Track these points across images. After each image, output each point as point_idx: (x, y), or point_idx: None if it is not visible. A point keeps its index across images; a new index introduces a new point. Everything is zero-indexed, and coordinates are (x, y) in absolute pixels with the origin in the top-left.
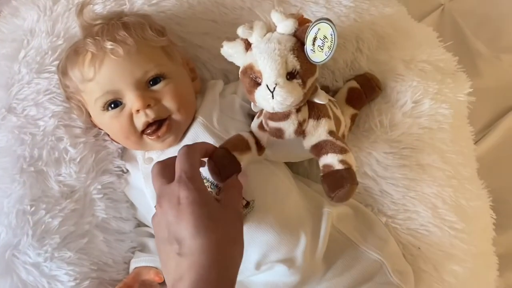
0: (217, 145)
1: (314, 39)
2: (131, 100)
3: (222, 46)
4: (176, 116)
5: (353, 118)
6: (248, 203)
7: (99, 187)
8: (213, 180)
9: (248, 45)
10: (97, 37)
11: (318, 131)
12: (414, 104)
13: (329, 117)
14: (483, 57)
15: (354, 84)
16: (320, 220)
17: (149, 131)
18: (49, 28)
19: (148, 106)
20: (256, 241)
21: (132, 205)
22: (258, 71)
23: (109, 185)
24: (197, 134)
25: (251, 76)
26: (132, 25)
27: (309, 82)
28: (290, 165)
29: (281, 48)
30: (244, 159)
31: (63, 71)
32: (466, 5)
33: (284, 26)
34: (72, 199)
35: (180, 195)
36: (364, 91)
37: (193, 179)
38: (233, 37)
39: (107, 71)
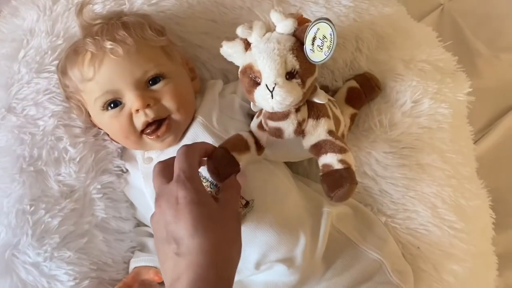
0: (216, 145)
1: (314, 38)
2: (131, 100)
3: (221, 46)
4: (175, 116)
5: (353, 118)
6: (247, 203)
7: (99, 186)
8: (212, 180)
9: (247, 45)
10: (96, 37)
11: (318, 131)
12: (414, 104)
13: (328, 116)
14: (483, 57)
15: (353, 83)
16: (320, 220)
17: (148, 130)
18: (49, 28)
19: (148, 105)
20: (256, 240)
21: (132, 205)
22: (257, 71)
23: (108, 185)
24: (197, 133)
25: (250, 76)
26: (132, 25)
27: (309, 82)
28: (289, 165)
29: (281, 48)
30: (243, 159)
31: (62, 71)
32: (465, 5)
33: (284, 25)
34: (72, 198)
35: (178, 194)
36: (363, 91)
37: (192, 179)
38: (232, 37)
39: (106, 70)
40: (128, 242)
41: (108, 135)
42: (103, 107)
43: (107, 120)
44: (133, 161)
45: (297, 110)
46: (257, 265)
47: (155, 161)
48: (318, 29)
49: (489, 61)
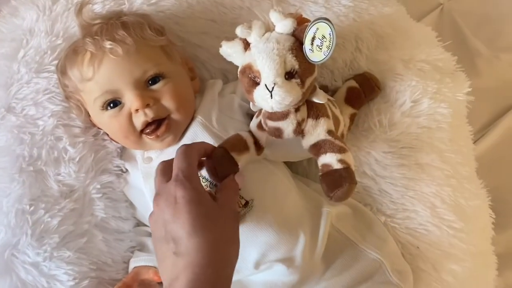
0: (216, 144)
1: (313, 38)
2: (130, 100)
3: (220, 46)
4: (175, 116)
5: (352, 118)
6: (247, 203)
7: (98, 186)
8: (211, 180)
9: (246, 45)
10: (96, 37)
11: (317, 131)
12: (413, 104)
13: (328, 116)
14: (482, 57)
15: (353, 83)
16: (319, 220)
17: (148, 130)
18: (48, 28)
19: (147, 105)
20: (255, 240)
21: (131, 205)
22: (256, 70)
23: (108, 185)
24: (196, 133)
25: (249, 75)
26: (131, 25)
27: (308, 82)
28: (289, 165)
29: (280, 48)
30: (242, 159)
31: (62, 71)
32: (465, 5)
33: (283, 25)
34: (71, 198)
35: (176, 194)
36: (363, 91)
37: (190, 178)
38: (232, 37)
39: (106, 70)
40: (128, 242)
41: (107, 135)
42: (103, 107)
43: (106, 120)
44: (132, 161)
45: (297, 110)
46: (257, 265)
47: (154, 161)
48: (317, 29)
49: (489, 61)
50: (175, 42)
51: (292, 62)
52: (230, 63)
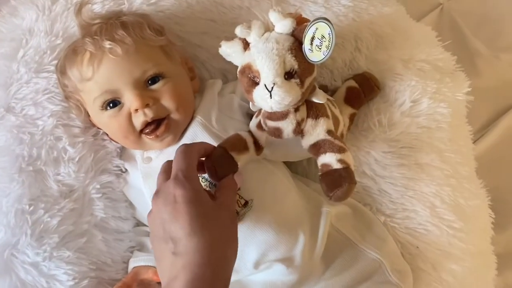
0: (215, 144)
1: (312, 38)
2: (130, 100)
3: (220, 46)
4: (174, 116)
5: (352, 118)
6: (246, 203)
7: (98, 186)
8: (211, 180)
9: (246, 45)
10: (95, 37)
11: (317, 131)
12: (413, 104)
13: (327, 116)
14: (482, 57)
15: (352, 83)
16: (319, 219)
17: (147, 130)
18: (48, 28)
19: (147, 105)
20: (255, 240)
21: (131, 205)
22: (256, 70)
23: (108, 185)
24: (196, 133)
25: (249, 75)
26: (131, 25)
27: (307, 82)
28: (289, 165)
29: (279, 48)
30: (241, 159)
31: (61, 71)
32: (465, 5)
33: (282, 25)
34: (71, 198)
35: (176, 193)
36: (362, 91)
37: (190, 178)
38: (231, 37)
39: (105, 70)
40: (127, 241)
41: (107, 134)
42: (102, 106)
43: (106, 120)
44: (132, 160)
45: (296, 109)
46: (256, 265)
47: (154, 161)
48: (316, 28)
49: (489, 60)
50: (174, 42)
51: (292, 62)
52: (230, 63)
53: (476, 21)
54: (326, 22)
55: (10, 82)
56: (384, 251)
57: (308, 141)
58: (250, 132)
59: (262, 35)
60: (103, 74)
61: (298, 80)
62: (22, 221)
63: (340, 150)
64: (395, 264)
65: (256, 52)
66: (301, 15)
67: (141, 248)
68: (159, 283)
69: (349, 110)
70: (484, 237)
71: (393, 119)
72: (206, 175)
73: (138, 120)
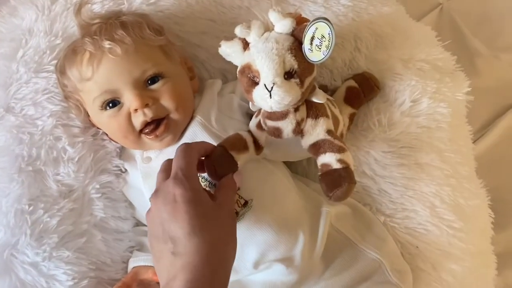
0: (215, 144)
1: (312, 38)
2: (129, 99)
3: (220, 46)
4: (174, 115)
5: (352, 117)
6: (246, 202)
7: (98, 186)
8: (211, 179)
9: (246, 45)
10: (95, 36)
11: (316, 130)
12: (413, 103)
13: (327, 116)
14: (482, 56)
15: (352, 83)
16: (319, 219)
17: (147, 130)
18: (47, 28)
19: (146, 105)
20: (255, 240)
21: (131, 205)
22: (256, 70)
23: (107, 185)
24: (195, 133)
25: (249, 75)
26: (130, 24)
27: (307, 82)
28: (288, 164)
29: (279, 48)
30: (241, 159)
31: (61, 71)
32: (464, 4)
33: (282, 25)
34: (71, 198)
35: (175, 192)
36: (362, 90)
37: (189, 177)
38: (231, 36)
39: (105, 70)
40: (127, 241)
41: (106, 134)
42: (102, 106)
43: (105, 120)
44: (132, 160)
45: (296, 109)
46: (256, 265)
47: (153, 161)
48: (316, 28)
49: (488, 60)
50: (174, 42)
51: (291, 62)
52: (229, 62)
53: (476, 21)
54: (326, 22)
55: (10, 82)
56: (384, 251)
57: (307, 141)
58: (250, 132)
59: (262, 35)
60: (103, 74)
61: (297, 80)
62: (21, 221)
63: (340, 150)
64: (394, 264)
65: (255, 52)
66: (300, 15)
67: (141, 248)
68: (159, 283)
69: (348, 110)
70: (484, 237)
71: (393, 119)
72: (205, 175)
73: (138, 120)
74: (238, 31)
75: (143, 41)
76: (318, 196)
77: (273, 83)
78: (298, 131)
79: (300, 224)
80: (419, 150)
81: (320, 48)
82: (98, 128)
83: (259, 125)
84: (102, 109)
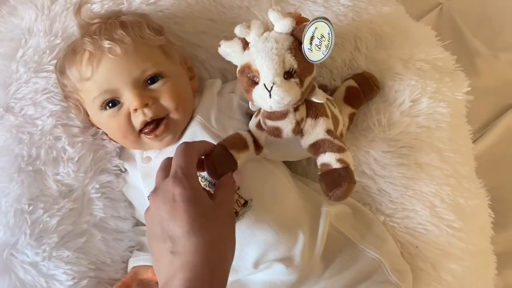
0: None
1: (312, 38)
2: (129, 99)
3: (219, 45)
4: (174, 115)
5: (351, 117)
6: (246, 202)
7: (97, 186)
8: (211, 179)
9: (245, 44)
10: (94, 36)
11: (316, 130)
12: (412, 103)
13: (327, 116)
14: (482, 56)
15: (352, 83)
16: (318, 219)
17: (147, 130)
18: (47, 27)
19: (146, 105)
20: (254, 240)
21: (130, 204)
22: (255, 70)
23: (107, 184)
24: (195, 133)
25: (248, 75)
26: (130, 24)
27: (307, 81)
28: (288, 164)
29: (279, 47)
30: (241, 158)
31: (61, 70)
32: (464, 4)
33: (282, 25)
34: (70, 198)
35: (174, 191)
36: (362, 90)
37: (189, 176)
38: (231, 36)
39: (104, 70)
40: (127, 241)
41: (106, 134)
42: (101, 106)
43: (105, 120)
44: (131, 160)
45: (296, 109)
46: (256, 264)
47: (153, 161)
48: (316, 28)
49: (488, 60)
50: (174, 42)
51: (291, 62)
52: (229, 62)
53: (476, 21)
54: (326, 21)
55: (9, 82)
56: (384, 250)
57: (307, 140)
58: (249, 131)
59: (262, 34)
60: (102, 74)
61: (297, 80)
62: (21, 221)
63: (340, 149)
64: (394, 263)
65: (255, 52)
66: (300, 14)
67: (141, 247)
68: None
69: (348, 110)
70: (483, 237)
71: (393, 119)
72: (205, 174)
73: (137, 120)
74: (238, 30)
75: (142, 41)
76: (318, 195)
77: (273, 83)
78: (298, 130)
79: (300, 223)
80: (418, 150)
81: (319, 48)
82: (97, 128)
83: (258, 125)
84: (101, 109)
